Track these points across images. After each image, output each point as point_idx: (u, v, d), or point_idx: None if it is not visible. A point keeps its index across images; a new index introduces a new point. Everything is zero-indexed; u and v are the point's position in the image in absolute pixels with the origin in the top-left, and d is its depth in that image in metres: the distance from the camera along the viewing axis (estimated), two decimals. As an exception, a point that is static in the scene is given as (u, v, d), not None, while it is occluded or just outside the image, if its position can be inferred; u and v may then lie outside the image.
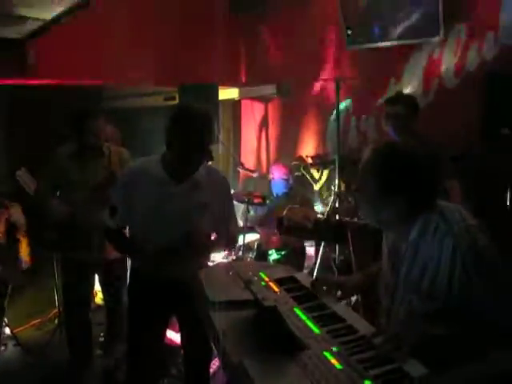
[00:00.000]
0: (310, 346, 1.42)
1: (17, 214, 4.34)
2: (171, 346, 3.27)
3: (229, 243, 2.58)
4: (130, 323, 2.49)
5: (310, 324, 1.57)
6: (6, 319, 3.94)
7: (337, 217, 3.96)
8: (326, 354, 1.38)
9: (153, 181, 2.22)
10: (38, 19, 3.66)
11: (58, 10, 3.49)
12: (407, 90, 4.63)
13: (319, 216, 3.96)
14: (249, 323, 1.57)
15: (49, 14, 3.62)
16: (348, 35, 4.85)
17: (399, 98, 3.23)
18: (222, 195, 2.37)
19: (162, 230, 2.22)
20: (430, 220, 1.54)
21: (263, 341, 1.41)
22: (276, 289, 1.84)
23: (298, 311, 1.65)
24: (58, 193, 3.16)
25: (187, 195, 2.23)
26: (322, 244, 3.98)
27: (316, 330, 1.53)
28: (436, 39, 4.42)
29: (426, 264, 1.53)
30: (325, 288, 1.83)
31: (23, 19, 3.64)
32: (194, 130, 2.14)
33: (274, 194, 4.21)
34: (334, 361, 1.35)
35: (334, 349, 1.41)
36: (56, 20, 3.66)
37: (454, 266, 1.46)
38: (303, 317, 1.62)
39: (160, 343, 2.53)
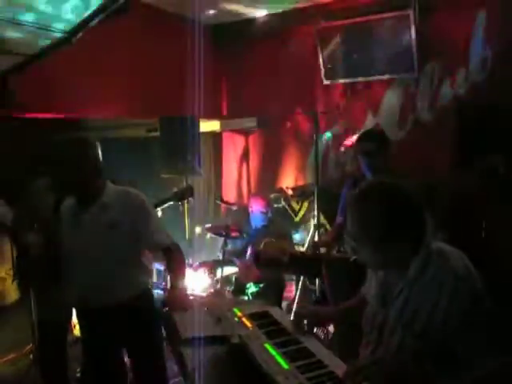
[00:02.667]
0: (278, 382, 1.43)
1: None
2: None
3: (171, 252, 2.48)
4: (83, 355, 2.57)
5: (279, 359, 1.58)
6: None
7: (315, 249, 3.99)
8: (294, 390, 1.40)
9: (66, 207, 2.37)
10: (18, 54, 3.70)
11: (41, 45, 3.55)
12: (384, 124, 4.75)
13: (296, 249, 3.99)
14: (220, 359, 1.58)
15: (31, 49, 3.67)
16: (326, 70, 5.00)
17: (370, 135, 3.26)
18: (135, 211, 2.36)
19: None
20: (428, 261, 1.53)
21: (233, 377, 1.42)
22: (249, 324, 1.86)
23: (268, 347, 1.67)
24: (35, 226, 3.15)
25: (96, 217, 2.31)
26: (301, 277, 4.00)
27: (285, 366, 1.55)
28: (411, 75, 4.58)
29: (421, 305, 1.51)
30: (305, 321, 1.84)
31: (6, 53, 3.69)
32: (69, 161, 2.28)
33: (253, 227, 4.24)
34: (300, 397, 1.36)
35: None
36: (39, 55, 3.71)
37: (453, 310, 1.45)
38: (273, 352, 1.63)
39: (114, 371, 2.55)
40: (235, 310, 1.98)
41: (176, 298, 2.25)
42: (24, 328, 3.97)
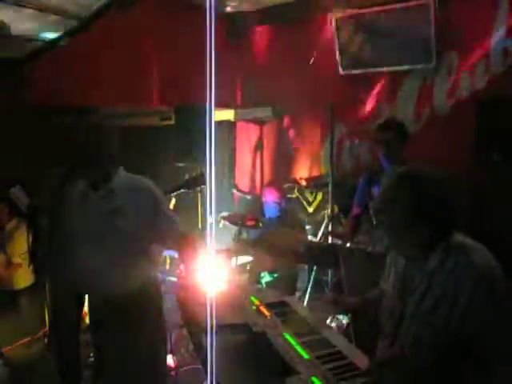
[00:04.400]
0: (299, 371, 1.43)
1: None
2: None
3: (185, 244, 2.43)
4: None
5: (299, 349, 1.58)
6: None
7: (329, 240, 3.97)
8: (315, 379, 1.39)
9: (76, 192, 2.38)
10: (37, 40, 3.71)
11: (58, 31, 3.55)
12: (399, 116, 4.70)
13: (311, 239, 3.97)
14: (239, 347, 1.58)
15: (49, 35, 3.68)
16: (342, 60, 4.95)
17: (389, 124, 3.22)
18: (142, 199, 2.32)
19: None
20: (449, 253, 1.52)
21: (253, 365, 1.42)
22: (267, 313, 1.85)
23: (287, 336, 1.66)
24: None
25: (101, 202, 2.30)
26: (315, 267, 3.98)
27: (305, 355, 1.54)
28: (429, 66, 4.52)
29: (441, 297, 1.49)
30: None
31: (23, 40, 3.69)
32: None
33: (267, 217, 4.23)
34: (321, 386, 1.36)
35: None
36: (56, 41, 3.71)
37: (473, 304, 1.43)
38: (293, 342, 1.63)
39: None
40: (252, 298, 1.98)
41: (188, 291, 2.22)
42: (38, 312, 4.02)
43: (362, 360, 1.55)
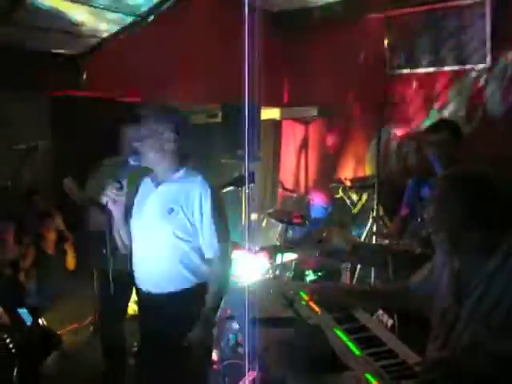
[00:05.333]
0: (350, 367, 1.42)
1: (60, 222, 4.53)
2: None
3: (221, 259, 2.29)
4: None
5: (350, 345, 1.58)
6: (44, 322, 4.07)
7: (373, 241, 3.93)
8: (368, 376, 1.39)
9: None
10: (94, 36, 3.84)
11: (113, 28, 3.66)
12: (450, 117, 4.59)
13: (359, 240, 3.93)
14: (290, 341, 1.59)
15: (104, 32, 3.80)
16: (391, 59, 4.88)
17: (443, 124, 3.15)
18: (197, 198, 2.22)
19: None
20: (509, 255, 1.49)
21: (305, 359, 1.43)
22: (316, 309, 1.86)
23: (338, 332, 1.66)
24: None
25: (157, 198, 2.27)
26: (358, 267, 3.94)
27: (357, 352, 1.54)
28: (482, 66, 4.40)
29: (499, 301, 1.46)
30: None
31: (79, 36, 3.83)
32: None
33: (313, 216, 4.23)
34: (376, 383, 1.35)
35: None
36: (111, 37, 3.83)
37: None
38: (344, 338, 1.62)
39: None
40: (302, 293, 1.99)
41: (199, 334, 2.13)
42: (87, 299, 4.16)
43: (414, 359, 1.54)
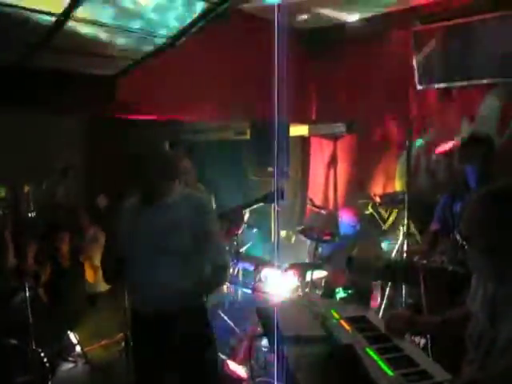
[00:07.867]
0: (384, 388, 1.41)
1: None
2: (233, 378, 3.28)
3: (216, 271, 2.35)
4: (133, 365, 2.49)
5: (382, 365, 1.55)
6: (77, 337, 4.15)
7: (404, 257, 3.87)
8: (402, 397, 1.37)
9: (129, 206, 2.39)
10: (127, 58, 3.95)
11: (146, 49, 3.77)
12: (481, 131, 4.51)
13: (389, 256, 3.88)
14: (321, 359, 1.58)
15: (138, 54, 3.91)
16: (420, 74, 4.85)
17: (479, 138, 3.09)
18: (196, 215, 2.27)
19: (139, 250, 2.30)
20: None
21: (338, 378, 1.42)
22: (347, 327, 1.84)
23: (370, 351, 1.64)
24: None
25: (154, 217, 2.28)
26: (389, 285, 3.89)
27: (389, 373, 1.51)
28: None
29: None
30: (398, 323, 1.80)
31: (113, 58, 3.95)
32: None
33: (342, 233, 4.20)
34: (410, 405, 1.33)
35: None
36: (144, 59, 3.94)
37: None
38: (376, 357, 1.60)
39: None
40: (332, 311, 1.98)
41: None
42: (117, 315, 4.22)
43: (449, 381, 1.50)
